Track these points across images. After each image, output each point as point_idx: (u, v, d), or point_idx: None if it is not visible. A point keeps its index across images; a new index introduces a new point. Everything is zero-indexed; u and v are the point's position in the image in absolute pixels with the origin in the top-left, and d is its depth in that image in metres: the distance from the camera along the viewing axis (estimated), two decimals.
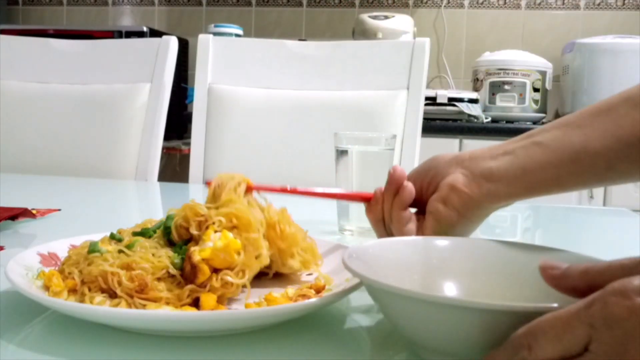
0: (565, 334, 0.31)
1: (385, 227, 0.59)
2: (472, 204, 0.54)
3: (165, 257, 0.47)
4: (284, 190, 0.60)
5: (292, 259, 0.53)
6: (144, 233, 0.52)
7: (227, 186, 0.52)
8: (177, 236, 0.50)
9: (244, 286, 0.47)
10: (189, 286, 0.45)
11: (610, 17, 2.60)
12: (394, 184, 0.58)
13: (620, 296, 0.29)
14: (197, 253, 0.46)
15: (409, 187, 0.57)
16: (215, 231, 0.47)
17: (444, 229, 0.55)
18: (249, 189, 0.53)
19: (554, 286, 0.35)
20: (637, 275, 0.30)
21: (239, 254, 0.46)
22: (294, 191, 0.61)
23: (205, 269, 0.45)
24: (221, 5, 2.85)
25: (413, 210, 0.59)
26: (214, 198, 0.52)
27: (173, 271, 0.46)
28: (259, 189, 0.54)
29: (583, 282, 0.34)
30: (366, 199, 0.61)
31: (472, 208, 0.54)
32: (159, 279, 0.45)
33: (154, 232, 0.53)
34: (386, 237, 0.58)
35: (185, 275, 0.46)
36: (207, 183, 0.53)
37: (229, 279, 0.45)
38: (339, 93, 1.37)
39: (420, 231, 0.57)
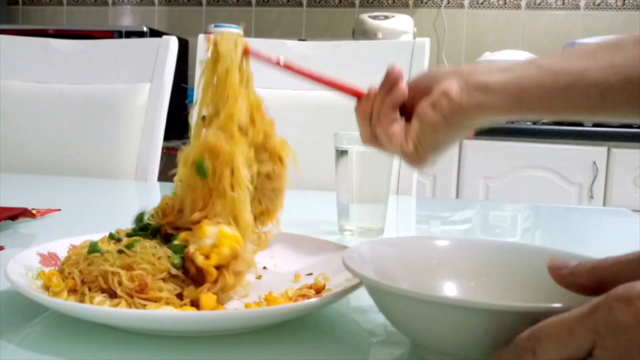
0: (569, 339, 0.30)
1: (371, 126, 0.58)
2: (460, 112, 0.53)
3: (165, 258, 0.47)
4: (277, 64, 0.60)
5: (273, 139, 0.57)
6: (138, 234, 0.52)
7: (225, 42, 0.54)
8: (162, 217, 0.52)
9: None
10: (206, 285, 0.46)
11: (610, 17, 2.60)
12: (388, 82, 0.57)
13: (625, 303, 0.29)
14: (198, 254, 0.46)
15: (402, 88, 0.57)
16: (217, 223, 0.48)
17: (427, 133, 0.54)
18: (246, 52, 0.54)
19: (562, 285, 0.36)
20: None
21: (238, 242, 0.47)
22: (287, 67, 0.60)
23: (212, 271, 0.45)
24: (221, 5, 2.85)
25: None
26: (214, 55, 0.54)
27: (175, 272, 0.46)
28: (256, 55, 0.55)
29: (590, 279, 0.34)
30: (358, 95, 0.61)
31: (459, 116, 0.53)
32: (163, 280, 0.45)
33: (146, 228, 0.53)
34: (370, 139, 0.58)
35: (192, 276, 0.46)
36: (207, 36, 0.54)
37: (239, 268, 0.47)
38: None
39: (404, 135, 0.56)
